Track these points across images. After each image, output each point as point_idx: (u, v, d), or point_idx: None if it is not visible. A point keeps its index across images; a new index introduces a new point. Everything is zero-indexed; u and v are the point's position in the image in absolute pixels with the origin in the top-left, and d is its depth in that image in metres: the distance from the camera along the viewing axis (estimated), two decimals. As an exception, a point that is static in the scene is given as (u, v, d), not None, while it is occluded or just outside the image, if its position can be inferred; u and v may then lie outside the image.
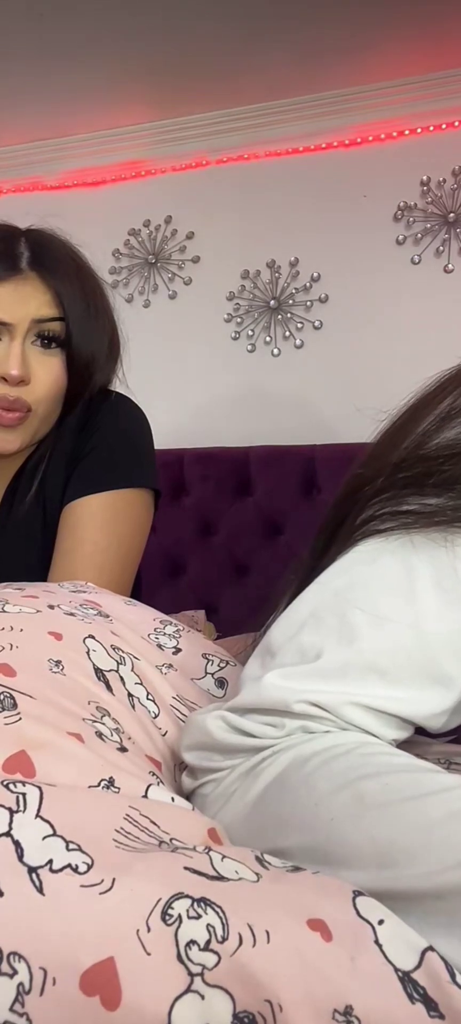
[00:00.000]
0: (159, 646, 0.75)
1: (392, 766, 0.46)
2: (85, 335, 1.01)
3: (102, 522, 0.98)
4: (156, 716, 0.64)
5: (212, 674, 0.76)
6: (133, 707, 0.63)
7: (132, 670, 0.67)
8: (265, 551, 2.00)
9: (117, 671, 0.65)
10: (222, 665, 0.77)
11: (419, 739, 0.74)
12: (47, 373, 0.98)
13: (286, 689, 0.52)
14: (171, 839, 0.41)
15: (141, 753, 0.57)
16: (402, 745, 0.55)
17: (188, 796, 0.59)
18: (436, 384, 0.62)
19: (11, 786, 0.41)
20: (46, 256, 1.03)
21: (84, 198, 2.38)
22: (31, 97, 2.14)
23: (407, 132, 2.11)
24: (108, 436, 1.04)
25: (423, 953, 0.35)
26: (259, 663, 0.57)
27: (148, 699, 0.65)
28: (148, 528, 1.08)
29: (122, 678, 0.65)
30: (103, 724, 0.55)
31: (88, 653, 0.64)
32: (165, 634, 0.78)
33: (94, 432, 1.03)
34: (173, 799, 0.48)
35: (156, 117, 2.24)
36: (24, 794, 0.41)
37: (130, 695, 0.64)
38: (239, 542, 2.03)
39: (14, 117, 2.24)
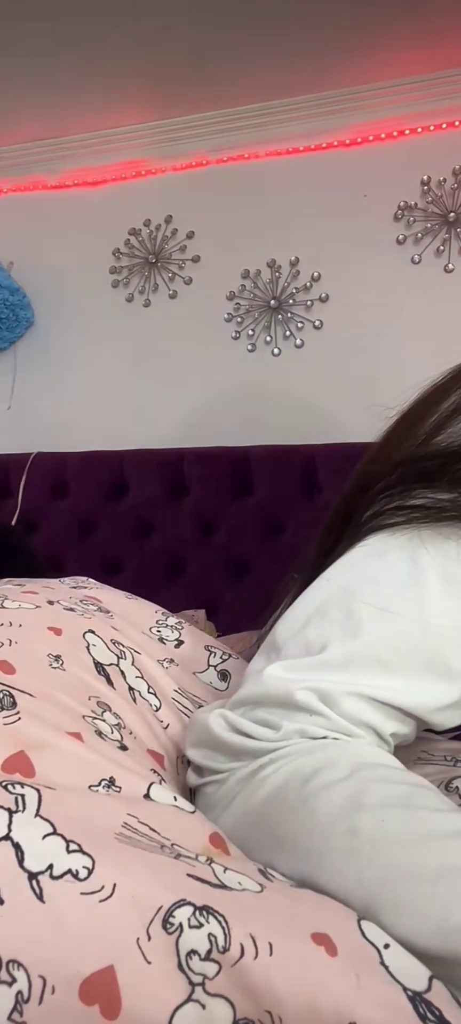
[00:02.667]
0: (161, 640, 0.75)
1: (390, 798, 0.45)
2: None
3: None
4: (158, 709, 0.64)
5: (215, 666, 0.75)
6: (134, 700, 0.62)
7: (133, 664, 0.66)
8: (265, 551, 1.99)
9: (117, 665, 0.65)
10: (224, 658, 0.77)
11: (426, 735, 0.74)
12: None
13: (288, 680, 0.52)
14: (172, 844, 0.41)
15: (143, 748, 0.57)
16: (409, 747, 0.55)
17: (192, 791, 0.59)
18: (440, 382, 0.61)
19: (10, 787, 0.41)
20: None
21: (84, 198, 2.38)
22: (31, 97, 2.13)
23: (407, 132, 2.10)
24: None
25: (431, 979, 0.35)
26: (264, 658, 0.57)
27: (149, 692, 0.65)
28: None
29: (123, 672, 0.64)
30: (103, 721, 0.55)
31: (88, 648, 0.64)
32: (167, 626, 0.78)
33: None
34: (176, 798, 0.47)
35: (156, 117, 2.23)
36: (23, 795, 0.40)
37: (131, 689, 0.63)
38: (239, 542, 2.02)
39: (14, 117, 2.23)
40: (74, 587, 0.80)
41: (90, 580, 0.87)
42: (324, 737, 0.51)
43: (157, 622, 0.78)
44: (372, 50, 1.93)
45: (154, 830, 0.41)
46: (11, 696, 0.51)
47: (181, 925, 0.34)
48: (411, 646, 0.51)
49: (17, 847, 0.37)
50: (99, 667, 0.63)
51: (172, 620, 0.80)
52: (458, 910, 0.37)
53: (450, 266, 2.08)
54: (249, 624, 1.27)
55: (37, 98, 2.14)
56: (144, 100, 2.15)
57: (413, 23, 1.82)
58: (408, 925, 0.38)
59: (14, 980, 0.33)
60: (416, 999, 0.33)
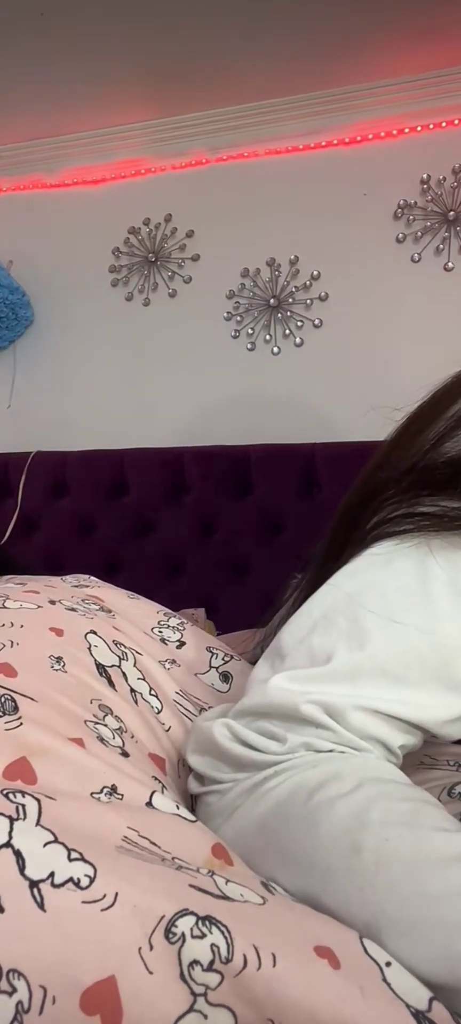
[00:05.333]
0: (163, 640, 0.74)
1: (395, 816, 0.44)
2: None
3: None
4: (159, 712, 0.63)
5: (216, 668, 0.75)
6: (136, 703, 0.62)
7: (134, 665, 0.66)
8: (265, 550, 1.99)
9: (119, 667, 0.64)
10: (226, 659, 0.76)
11: (430, 739, 0.74)
12: None
13: (293, 692, 0.51)
14: (173, 858, 0.40)
15: (144, 752, 0.56)
16: (414, 752, 0.54)
17: (192, 798, 0.58)
18: (446, 387, 0.60)
19: (11, 795, 0.41)
20: None
21: (84, 196, 2.37)
22: (30, 95, 2.12)
23: (407, 130, 2.10)
24: None
25: (431, 1000, 0.35)
26: (268, 665, 0.56)
27: (151, 694, 0.65)
28: None
29: (124, 674, 0.64)
30: (105, 726, 0.54)
31: (90, 649, 0.64)
32: (169, 627, 0.77)
33: None
34: (178, 807, 0.47)
35: (156, 115, 2.22)
36: (23, 805, 0.40)
37: (133, 691, 0.63)
38: (239, 541, 2.02)
39: (14, 115, 2.23)
40: (76, 586, 0.79)
41: (92, 578, 0.86)
42: (331, 750, 0.50)
43: (159, 622, 0.78)
44: (372, 49, 1.92)
45: (155, 844, 0.41)
46: (13, 700, 0.51)
47: (183, 935, 0.34)
48: (419, 657, 0.50)
49: (18, 854, 0.37)
50: (100, 669, 0.62)
51: (174, 620, 0.79)
52: None
53: (450, 265, 2.08)
54: (249, 623, 1.27)
55: (36, 97, 2.14)
56: (143, 99, 2.14)
57: (412, 22, 1.81)
58: (411, 949, 0.37)
59: (14, 990, 0.32)
60: (419, 1016, 0.33)
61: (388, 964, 0.36)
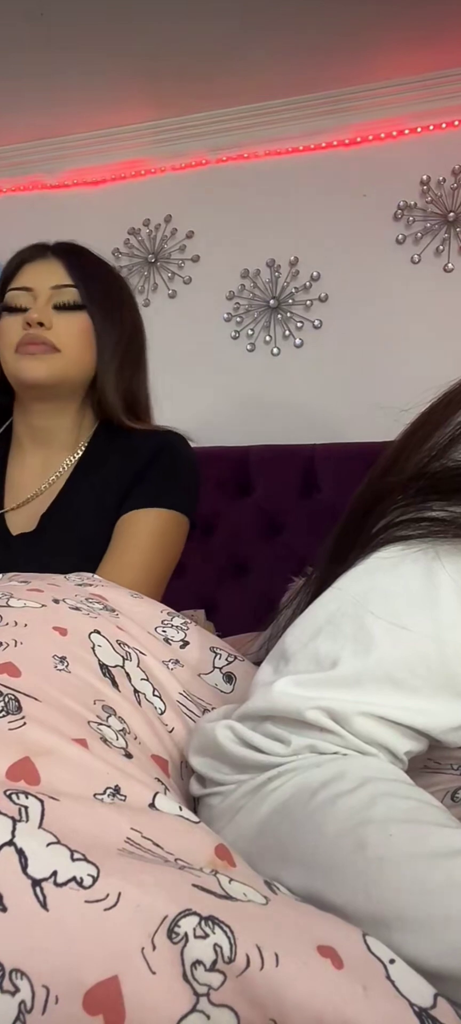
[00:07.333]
0: (166, 640, 0.74)
1: (398, 812, 0.44)
2: (98, 302, 1.21)
3: (150, 531, 1.19)
4: (162, 712, 0.63)
5: (220, 668, 0.75)
6: (139, 703, 0.62)
7: (138, 666, 0.66)
8: (265, 551, 1.99)
9: (123, 667, 0.64)
10: (230, 660, 0.76)
11: (436, 744, 0.74)
12: (67, 322, 1.18)
13: (298, 697, 0.51)
14: (176, 859, 0.40)
15: (147, 754, 0.56)
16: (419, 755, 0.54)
17: (194, 801, 0.58)
18: (457, 390, 0.60)
19: (13, 797, 0.41)
20: (68, 248, 1.26)
21: (84, 197, 2.38)
22: (31, 96, 2.13)
23: (407, 131, 2.10)
24: (167, 465, 1.25)
25: (436, 996, 0.35)
26: (272, 668, 0.56)
27: (154, 695, 0.65)
28: (181, 549, 1.30)
29: (128, 674, 0.64)
30: (108, 727, 0.54)
31: (93, 649, 0.64)
32: (172, 626, 0.77)
33: (156, 460, 1.23)
34: (180, 808, 0.47)
35: (156, 116, 2.23)
36: (26, 807, 0.40)
37: (136, 691, 0.63)
38: (239, 542, 2.02)
39: (14, 116, 2.23)
40: (79, 584, 0.79)
41: (96, 576, 0.86)
42: (335, 753, 0.50)
43: (163, 621, 0.77)
44: (372, 50, 1.93)
45: (158, 845, 0.41)
46: (16, 700, 0.51)
47: (186, 935, 0.34)
48: (425, 664, 0.49)
49: (21, 853, 0.37)
50: (104, 669, 0.62)
51: (178, 620, 0.79)
52: None
53: (449, 266, 2.09)
54: (249, 623, 1.27)
55: (36, 97, 2.14)
56: (144, 100, 2.15)
57: (413, 23, 1.82)
58: (418, 942, 0.38)
59: (17, 989, 0.32)
60: (423, 1014, 0.33)
61: (392, 961, 0.36)
